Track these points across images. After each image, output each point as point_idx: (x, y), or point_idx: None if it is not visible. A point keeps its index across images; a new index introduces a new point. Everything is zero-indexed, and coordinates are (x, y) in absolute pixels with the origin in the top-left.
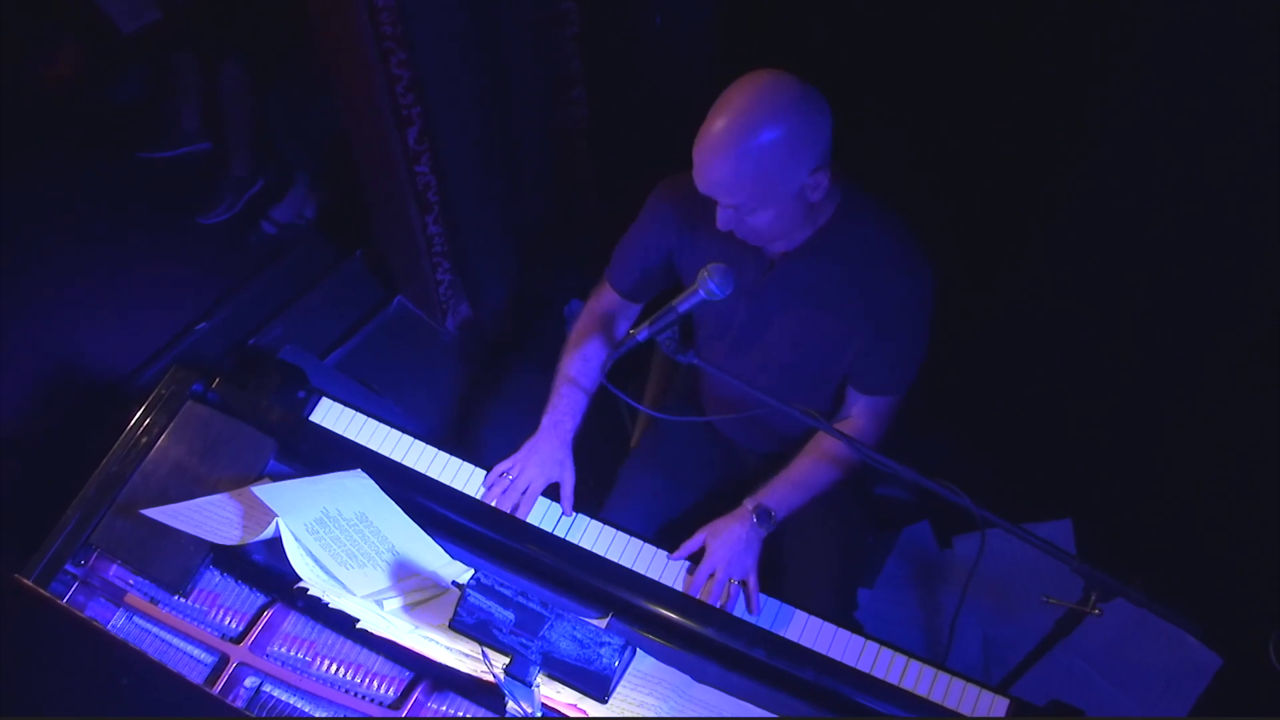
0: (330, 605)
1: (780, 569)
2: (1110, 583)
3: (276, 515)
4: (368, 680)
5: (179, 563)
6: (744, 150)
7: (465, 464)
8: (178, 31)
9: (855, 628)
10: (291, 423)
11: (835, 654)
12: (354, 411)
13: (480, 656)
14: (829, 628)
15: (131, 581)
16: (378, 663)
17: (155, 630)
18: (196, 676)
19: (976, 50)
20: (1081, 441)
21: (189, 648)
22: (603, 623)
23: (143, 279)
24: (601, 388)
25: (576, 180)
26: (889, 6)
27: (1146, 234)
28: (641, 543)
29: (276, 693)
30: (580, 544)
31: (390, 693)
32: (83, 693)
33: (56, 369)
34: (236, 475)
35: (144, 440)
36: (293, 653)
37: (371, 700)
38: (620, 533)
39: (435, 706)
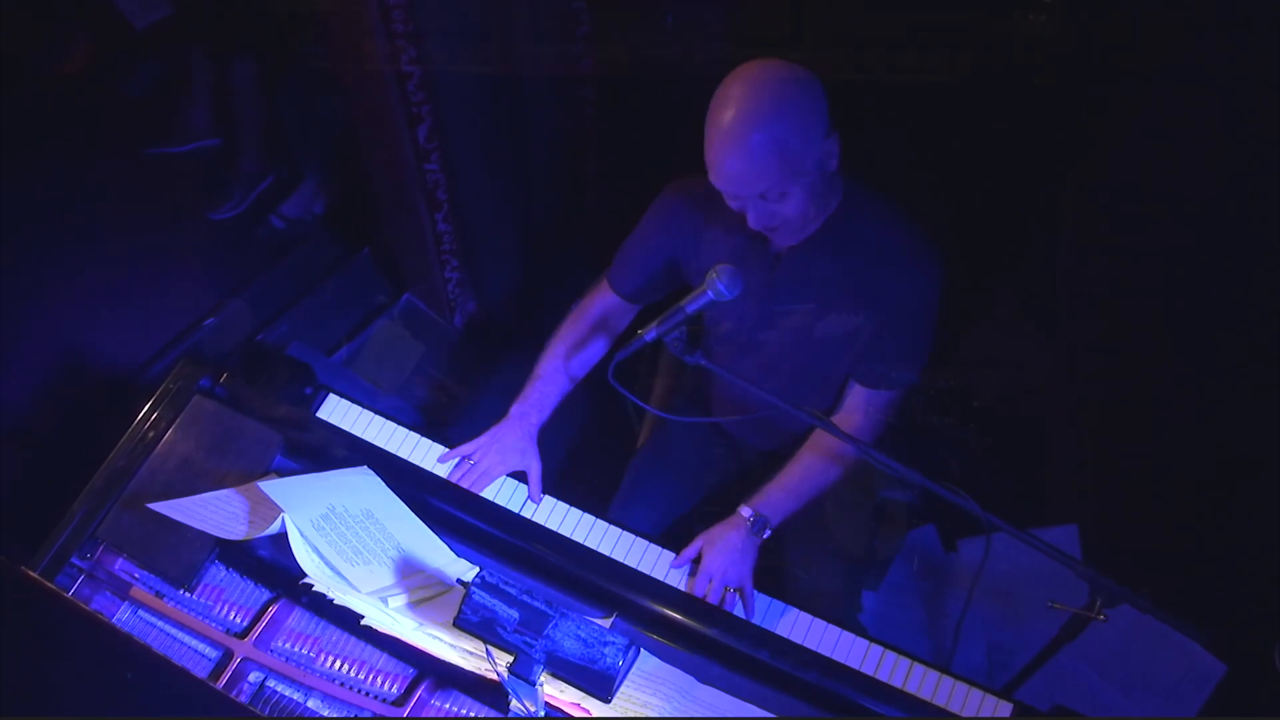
0: (335, 601)
1: (785, 571)
2: (1115, 588)
3: (282, 511)
4: (371, 677)
5: (184, 557)
6: (763, 130)
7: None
8: (189, 27)
9: (859, 630)
10: (298, 419)
11: (839, 656)
12: (361, 408)
13: (484, 655)
14: (833, 630)
15: (137, 575)
16: (381, 660)
17: (160, 624)
18: (201, 671)
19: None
20: (1087, 446)
21: (193, 642)
22: (607, 622)
23: (151, 274)
24: (609, 387)
25: (586, 179)
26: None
27: (1157, 238)
28: (646, 543)
29: (280, 688)
30: (585, 543)
31: (393, 690)
32: (87, 685)
33: (64, 362)
34: (243, 470)
35: (151, 434)
36: (297, 648)
37: (375, 697)
38: (625, 532)
39: (438, 704)
